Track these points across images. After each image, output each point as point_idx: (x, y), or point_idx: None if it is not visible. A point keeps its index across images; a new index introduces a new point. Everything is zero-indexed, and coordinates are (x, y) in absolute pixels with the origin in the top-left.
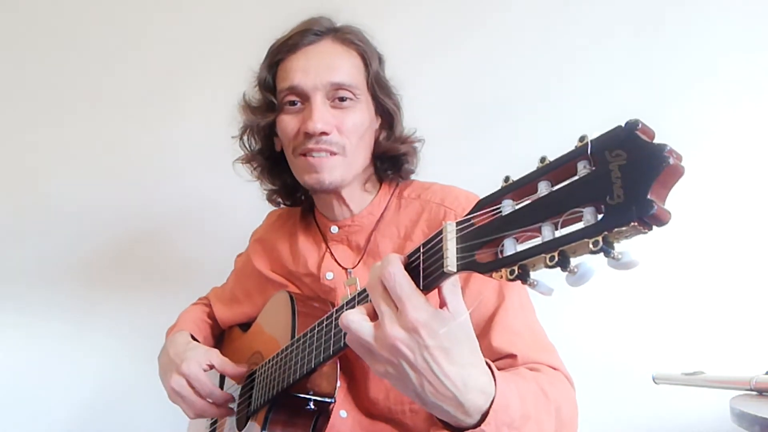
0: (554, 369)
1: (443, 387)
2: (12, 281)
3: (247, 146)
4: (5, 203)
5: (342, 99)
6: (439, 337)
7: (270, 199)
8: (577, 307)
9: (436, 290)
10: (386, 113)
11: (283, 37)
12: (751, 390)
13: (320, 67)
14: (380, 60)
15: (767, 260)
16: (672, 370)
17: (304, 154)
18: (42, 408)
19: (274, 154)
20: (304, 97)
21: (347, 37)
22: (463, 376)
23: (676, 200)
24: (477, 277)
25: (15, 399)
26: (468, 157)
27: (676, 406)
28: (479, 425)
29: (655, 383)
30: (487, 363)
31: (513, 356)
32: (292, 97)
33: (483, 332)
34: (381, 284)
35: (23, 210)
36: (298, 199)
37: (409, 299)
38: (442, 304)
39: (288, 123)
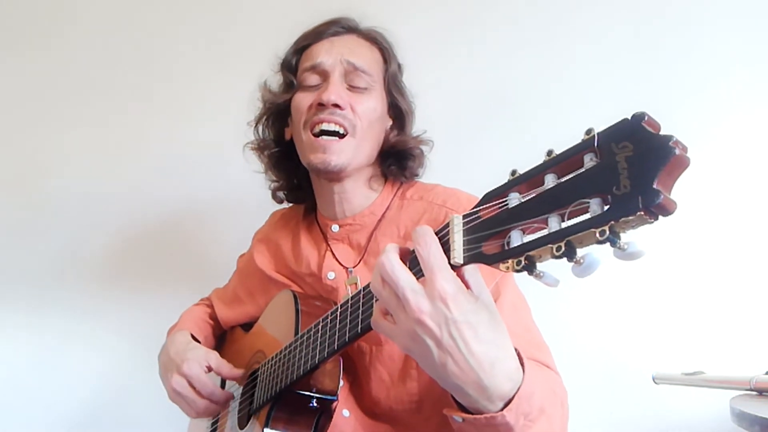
0: (547, 367)
1: (468, 366)
2: (15, 279)
3: (260, 135)
4: (10, 201)
5: (358, 86)
6: (467, 312)
7: (274, 195)
8: (578, 307)
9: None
10: (399, 114)
11: (312, 27)
12: (751, 390)
13: (343, 50)
14: (399, 66)
15: (767, 260)
16: (672, 370)
17: (314, 130)
18: (44, 406)
19: (283, 143)
20: (324, 76)
21: (372, 34)
22: (491, 357)
23: (676, 200)
24: None
25: (17, 396)
26: (472, 158)
27: (676, 406)
28: (501, 411)
29: (655, 383)
30: (515, 349)
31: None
32: (313, 77)
33: None
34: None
35: (27, 208)
36: (300, 198)
37: (440, 269)
38: (466, 287)
39: (303, 99)
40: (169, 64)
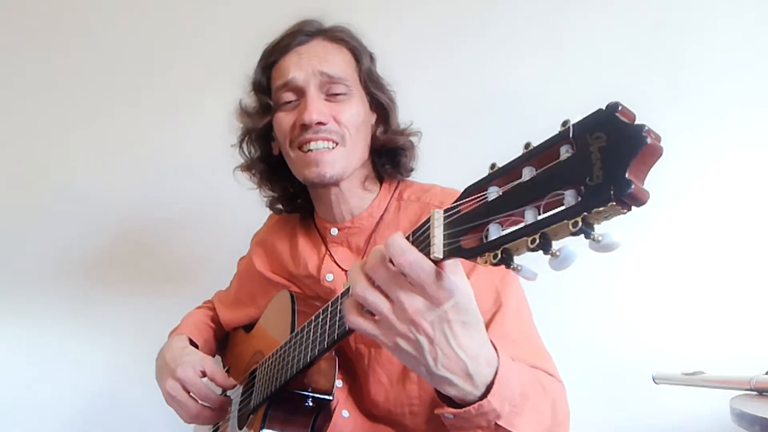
0: (549, 375)
1: (457, 359)
2: (14, 280)
3: (247, 154)
4: (8, 203)
5: (336, 94)
6: (460, 312)
7: (271, 207)
8: (577, 307)
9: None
10: (381, 108)
11: (275, 40)
12: (751, 390)
13: (313, 60)
14: (371, 57)
15: (767, 260)
16: (672, 370)
17: (302, 148)
18: (42, 407)
19: (272, 159)
20: (300, 93)
21: (337, 35)
22: (475, 346)
23: (676, 200)
24: (474, 282)
25: (15, 398)
26: (465, 156)
27: (676, 406)
28: (485, 397)
29: (655, 383)
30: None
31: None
32: (288, 95)
33: None
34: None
35: (25, 210)
36: (298, 206)
37: (430, 283)
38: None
39: (284, 119)
40: (169, 64)
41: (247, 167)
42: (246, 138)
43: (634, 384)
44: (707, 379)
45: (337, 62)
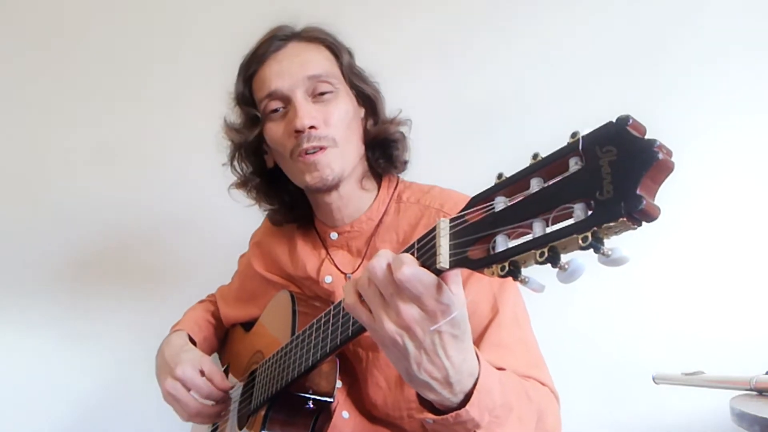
0: (542, 384)
1: (442, 366)
2: (11, 282)
3: (239, 171)
4: (5, 205)
5: (322, 93)
6: (453, 324)
7: (272, 220)
8: (578, 307)
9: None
10: (368, 100)
11: (250, 50)
12: (751, 390)
13: (293, 66)
14: (350, 53)
15: (767, 260)
16: (672, 370)
17: (300, 155)
18: (40, 409)
19: (266, 172)
20: (286, 100)
21: (312, 34)
22: (460, 358)
23: (676, 200)
24: (472, 288)
25: (13, 400)
26: (466, 157)
27: (676, 406)
28: (464, 406)
29: (655, 383)
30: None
31: (502, 370)
32: (274, 104)
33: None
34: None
35: (23, 212)
36: (297, 215)
37: (429, 296)
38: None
39: (276, 129)
40: (166, 65)
41: (242, 184)
42: (237, 154)
43: (634, 384)
44: (707, 379)
45: (318, 61)
